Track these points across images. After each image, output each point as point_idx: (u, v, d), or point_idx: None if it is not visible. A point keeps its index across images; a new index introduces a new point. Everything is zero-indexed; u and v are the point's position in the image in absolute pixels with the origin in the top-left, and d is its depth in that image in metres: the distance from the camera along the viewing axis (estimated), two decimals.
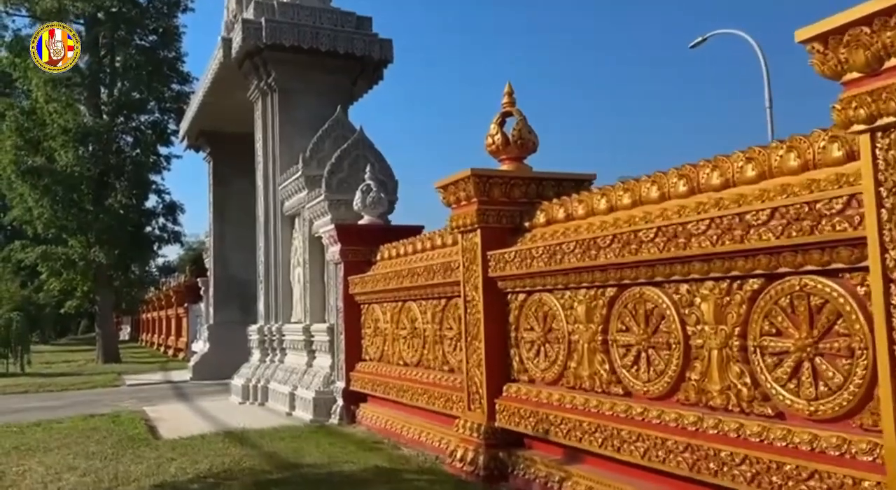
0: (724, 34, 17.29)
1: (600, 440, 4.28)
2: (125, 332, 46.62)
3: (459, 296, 6.07)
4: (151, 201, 22.90)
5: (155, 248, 22.96)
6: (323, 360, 9.19)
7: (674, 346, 3.90)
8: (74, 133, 20.23)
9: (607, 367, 4.42)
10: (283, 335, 10.52)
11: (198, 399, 11.41)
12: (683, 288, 3.84)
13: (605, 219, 4.56)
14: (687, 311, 3.82)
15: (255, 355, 11.24)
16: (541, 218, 5.27)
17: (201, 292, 19.38)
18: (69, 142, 20.20)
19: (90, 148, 20.99)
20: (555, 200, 5.20)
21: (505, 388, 5.38)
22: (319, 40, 10.71)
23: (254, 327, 11.33)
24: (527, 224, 5.44)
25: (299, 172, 9.81)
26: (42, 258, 21.37)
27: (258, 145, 11.58)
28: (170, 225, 22.69)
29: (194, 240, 45.51)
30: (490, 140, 5.76)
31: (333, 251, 8.62)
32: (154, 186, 22.52)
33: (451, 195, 5.72)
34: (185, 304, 23.71)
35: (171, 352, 26.36)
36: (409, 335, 7.20)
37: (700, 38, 17.58)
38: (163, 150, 22.86)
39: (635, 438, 4.01)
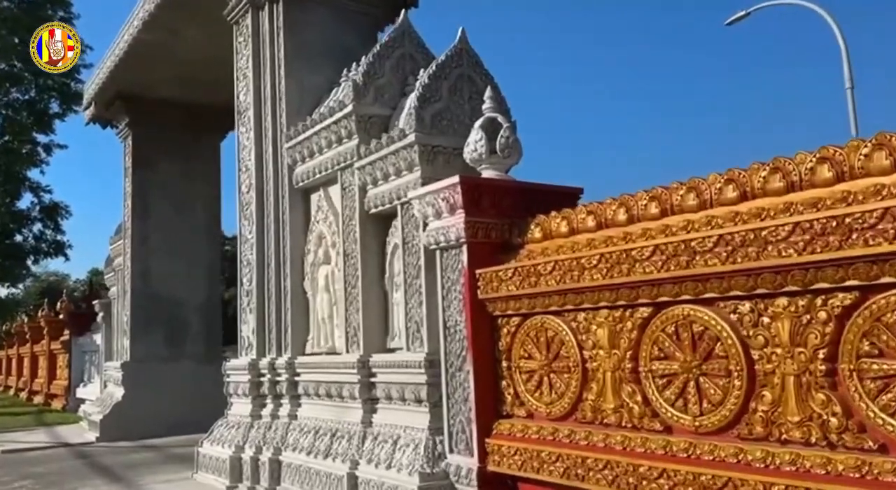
0: (773, 5, 14.68)
1: None
2: None
3: None
4: (25, 202, 17.71)
5: (30, 261, 17.59)
6: (404, 415, 5.40)
7: None
8: None
9: None
10: (297, 374, 6.60)
11: (142, 479, 7.20)
12: None
13: None
14: None
15: (240, 407, 7.16)
16: None
17: (99, 318, 14.66)
18: None
19: None
20: None
21: None
22: None
23: (239, 363, 7.25)
24: None
25: (347, 109, 6.05)
26: None
27: (242, 85, 7.68)
28: (49, 232, 17.42)
29: (42, 270, 39.12)
30: None
31: (440, 228, 4.94)
32: (29, 183, 17.32)
33: None
34: (66, 337, 18.57)
35: (38, 398, 21.01)
36: (686, 371, 3.66)
37: (742, 12, 14.93)
38: (41, 138, 17.77)
39: None
